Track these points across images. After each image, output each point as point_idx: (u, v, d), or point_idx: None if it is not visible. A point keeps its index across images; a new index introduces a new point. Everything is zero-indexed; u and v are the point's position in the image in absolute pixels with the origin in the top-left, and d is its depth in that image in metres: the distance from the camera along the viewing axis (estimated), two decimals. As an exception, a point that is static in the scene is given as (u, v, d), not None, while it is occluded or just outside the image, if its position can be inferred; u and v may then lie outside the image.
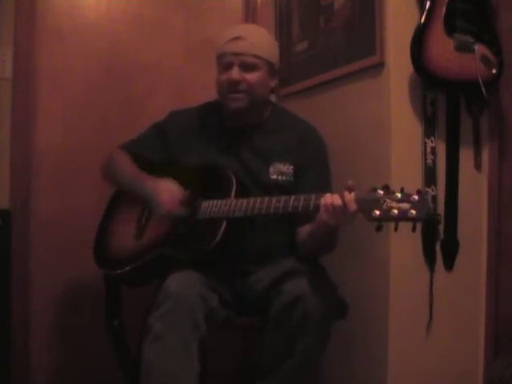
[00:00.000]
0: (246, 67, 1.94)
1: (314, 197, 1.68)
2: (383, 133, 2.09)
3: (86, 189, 2.56)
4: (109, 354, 2.17)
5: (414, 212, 1.51)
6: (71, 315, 2.56)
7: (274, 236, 1.97)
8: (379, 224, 1.56)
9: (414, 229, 1.56)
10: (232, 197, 1.86)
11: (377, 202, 1.54)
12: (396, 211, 1.52)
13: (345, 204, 1.60)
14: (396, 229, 1.54)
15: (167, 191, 1.91)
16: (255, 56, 1.94)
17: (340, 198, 1.62)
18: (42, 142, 2.52)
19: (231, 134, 2.03)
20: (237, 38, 1.94)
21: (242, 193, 1.88)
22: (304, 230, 1.88)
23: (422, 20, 2.01)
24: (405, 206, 1.52)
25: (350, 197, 1.60)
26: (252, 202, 1.79)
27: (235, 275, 1.94)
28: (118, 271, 1.96)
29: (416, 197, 1.52)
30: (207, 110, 2.12)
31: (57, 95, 2.56)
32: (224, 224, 1.83)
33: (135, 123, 2.46)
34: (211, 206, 1.86)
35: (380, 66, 2.09)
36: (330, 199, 1.63)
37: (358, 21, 2.21)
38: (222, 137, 2.04)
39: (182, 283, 1.76)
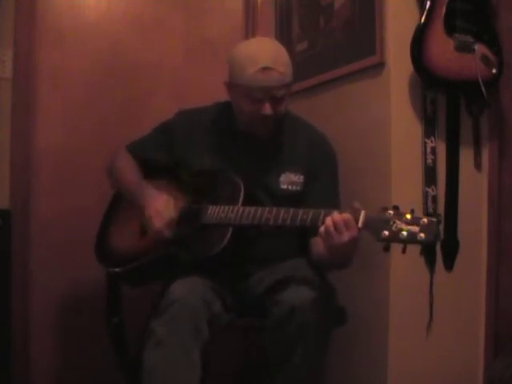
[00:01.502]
0: (276, 99, 1.87)
1: (323, 212, 1.64)
2: (383, 133, 2.09)
3: (86, 189, 2.56)
4: (109, 354, 2.17)
5: (423, 235, 1.49)
6: (71, 315, 2.56)
7: (280, 242, 1.94)
8: (387, 245, 1.56)
9: (422, 252, 1.55)
10: (239, 204, 1.81)
11: (386, 223, 1.53)
12: (405, 233, 1.51)
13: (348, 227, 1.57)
14: (404, 251, 1.53)
15: (158, 214, 1.85)
16: (285, 86, 1.87)
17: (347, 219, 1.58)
18: (42, 142, 2.52)
19: (243, 138, 1.98)
20: (266, 70, 1.82)
21: (250, 200, 1.83)
22: (315, 250, 1.84)
23: (422, 20, 2.01)
24: (414, 228, 1.50)
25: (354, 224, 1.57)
26: (260, 211, 1.74)
27: (237, 277, 1.93)
28: (119, 269, 1.95)
29: (425, 220, 1.50)
30: (218, 111, 2.06)
31: (57, 95, 2.56)
32: (230, 230, 1.80)
33: (135, 123, 2.48)
34: (218, 212, 1.82)
35: (380, 65, 2.09)
36: (337, 217, 1.58)
37: (358, 21, 2.21)
38: (232, 141, 1.99)
39: (185, 289, 1.75)
